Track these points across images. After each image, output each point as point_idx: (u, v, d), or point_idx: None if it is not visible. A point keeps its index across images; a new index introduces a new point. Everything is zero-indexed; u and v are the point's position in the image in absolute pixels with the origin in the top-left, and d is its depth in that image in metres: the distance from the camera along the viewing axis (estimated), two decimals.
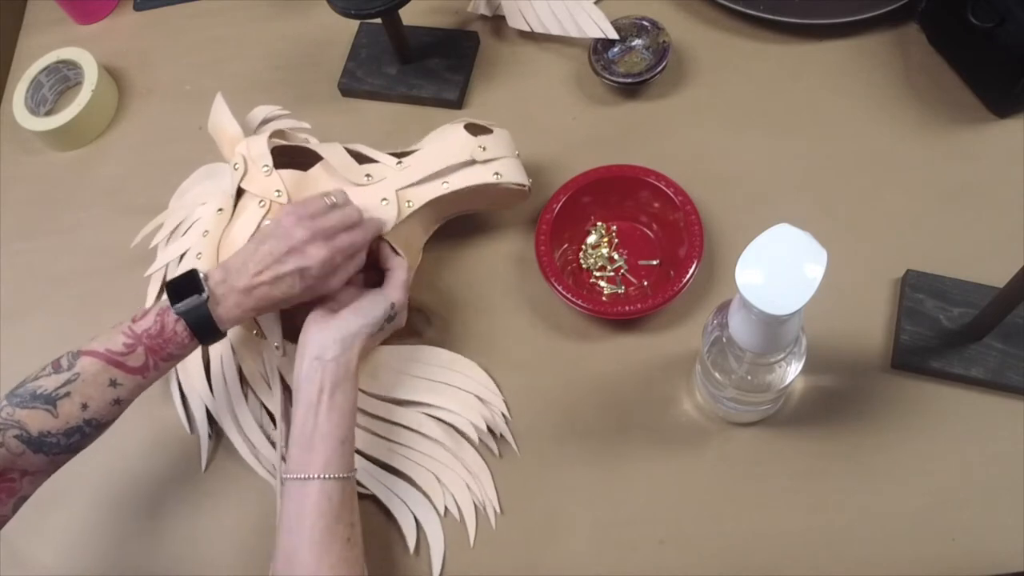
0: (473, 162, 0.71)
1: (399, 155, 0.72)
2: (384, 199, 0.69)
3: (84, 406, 0.58)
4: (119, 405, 0.59)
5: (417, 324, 0.76)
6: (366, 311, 0.64)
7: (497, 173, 0.71)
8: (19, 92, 0.93)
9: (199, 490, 0.73)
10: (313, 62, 0.93)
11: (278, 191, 0.68)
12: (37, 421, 0.56)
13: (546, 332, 0.74)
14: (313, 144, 0.72)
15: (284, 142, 0.72)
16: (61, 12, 1.03)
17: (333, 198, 0.65)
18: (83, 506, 0.74)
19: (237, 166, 0.69)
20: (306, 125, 0.80)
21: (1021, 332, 0.65)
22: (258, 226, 0.68)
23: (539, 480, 0.69)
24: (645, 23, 0.84)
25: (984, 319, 0.64)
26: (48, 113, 0.96)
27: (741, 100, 0.82)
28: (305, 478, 0.58)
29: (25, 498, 0.57)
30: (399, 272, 0.68)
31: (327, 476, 0.58)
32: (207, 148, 0.90)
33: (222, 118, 0.74)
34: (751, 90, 0.82)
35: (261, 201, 0.68)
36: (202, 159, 0.87)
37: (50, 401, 0.57)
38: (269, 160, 0.69)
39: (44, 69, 0.95)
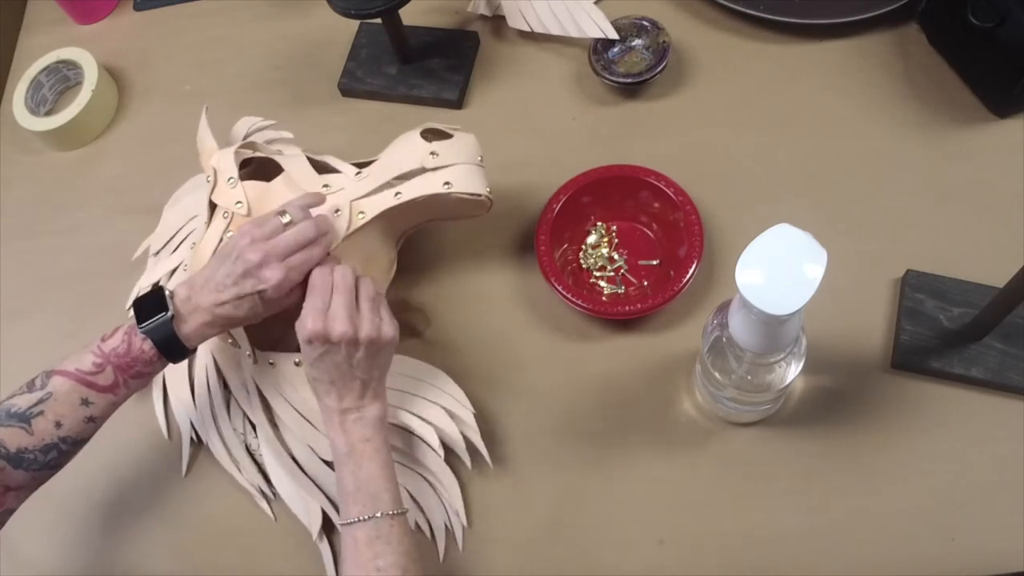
0: (423, 170, 0.68)
1: (363, 164, 0.70)
2: (337, 210, 0.67)
3: (58, 424, 0.59)
4: (93, 423, 0.60)
5: (417, 323, 0.76)
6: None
7: (447, 183, 0.68)
8: (19, 92, 0.93)
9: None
10: (313, 62, 0.93)
11: (239, 202, 0.67)
12: (14, 438, 0.58)
13: (546, 332, 0.74)
14: (279, 156, 0.70)
15: (253, 154, 0.71)
16: (61, 12, 1.03)
17: (288, 215, 0.63)
18: (75, 506, 0.74)
19: (209, 179, 0.69)
20: (288, 135, 0.79)
21: (1021, 332, 0.65)
22: (220, 238, 0.67)
23: (539, 480, 0.69)
24: (645, 23, 0.84)
25: (984, 319, 0.64)
26: (48, 113, 0.96)
27: (741, 100, 0.82)
28: (352, 521, 0.59)
29: (11, 511, 0.59)
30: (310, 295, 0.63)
31: (367, 517, 0.59)
32: None
33: (202, 133, 0.74)
34: (751, 90, 0.82)
35: (225, 212, 0.68)
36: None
37: (24, 419, 0.58)
38: (234, 172, 0.68)
39: (44, 69, 0.95)
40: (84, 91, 0.92)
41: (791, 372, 0.58)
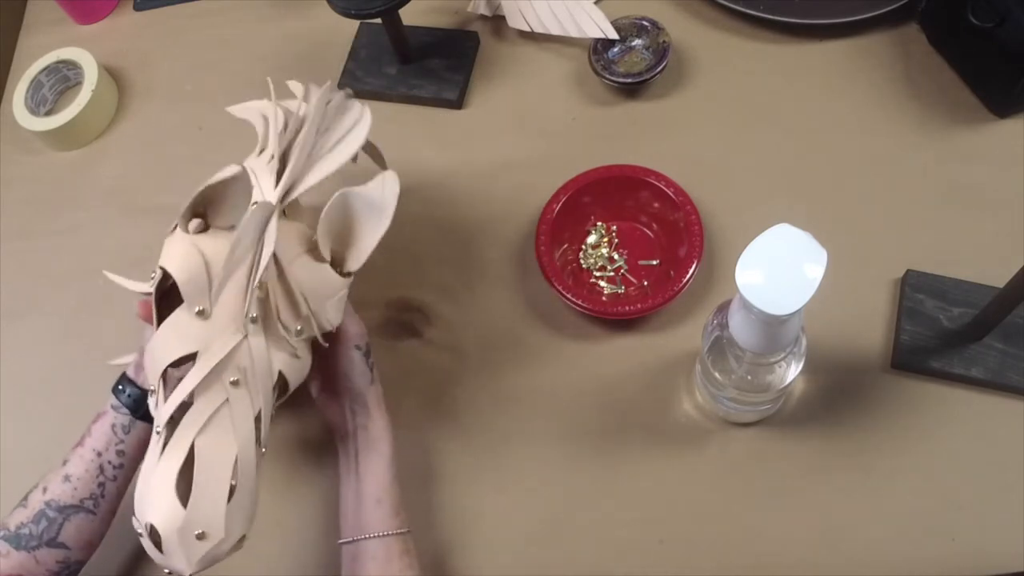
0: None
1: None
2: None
3: (44, 489, 0.61)
4: (72, 486, 0.62)
5: (417, 324, 0.76)
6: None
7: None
8: (19, 92, 0.93)
9: None
10: (313, 62, 0.93)
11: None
12: (15, 517, 0.60)
13: (546, 332, 0.74)
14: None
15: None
16: (61, 12, 1.03)
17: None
18: None
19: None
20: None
21: (1021, 332, 0.65)
22: None
23: (539, 480, 0.69)
24: (645, 23, 0.84)
25: (984, 319, 0.64)
26: (48, 113, 0.96)
27: (741, 100, 0.82)
28: (351, 540, 0.60)
29: None
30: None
31: (368, 536, 0.60)
32: (207, 148, 0.90)
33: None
34: (751, 90, 0.82)
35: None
36: (202, 159, 0.87)
37: (24, 498, 0.61)
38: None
39: (44, 69, 0.95)
40: (84, 91, 0.92)
41: (791, 372, 0.58)
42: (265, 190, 0.59)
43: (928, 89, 0.79)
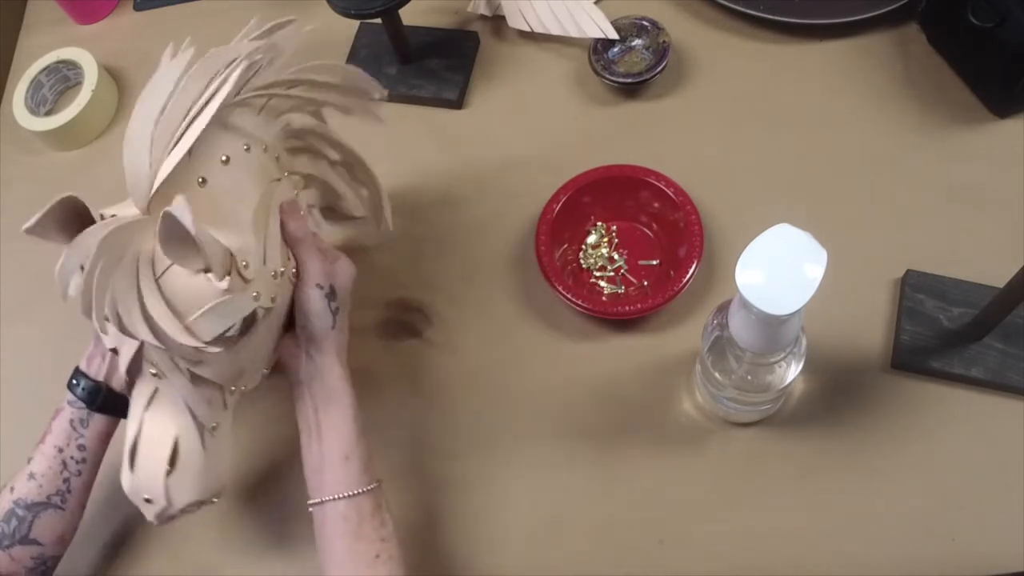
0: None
1: None
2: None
3: (12, 489, 0.62)
4: (38, 484, 0.62)
5: (417, 324, 0.76)
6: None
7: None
8: (19, 92, 0.93)
9: None
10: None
11: None
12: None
13: (546, 332, 0.74)
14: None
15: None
16: (61, 12, 1.03)
17: None
18: None
19: None
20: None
21: (1021, 332, 0.65)
22: None
23: (539, 480, 0.69)
24: (645, 23, 0.84)
25: (984, 319, 0.64)
26: (48, 113, 0.96)
27: (741, 100, 0.82)
28: (320, 501, 0.58)
29: None
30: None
31: (337, 496, 0.58)
32: None
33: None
34: (751, 90, 0.82)
35: None
36: None
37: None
38: None
39: (44, 69, 0.95)
40: (84, 91, 0.92)
41: (791, 372, 0.58)
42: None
43: (928, 89, 0.79)
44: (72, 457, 0.62)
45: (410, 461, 0.71)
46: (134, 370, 0.56)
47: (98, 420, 0.62)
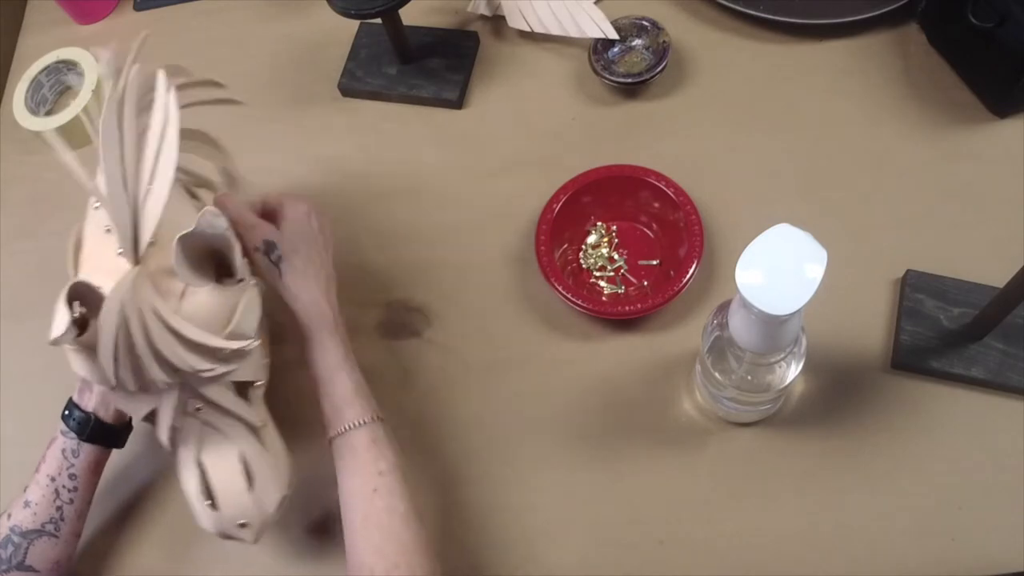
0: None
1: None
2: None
3: (8, 516, 0.63)
4: (32, 512, 0.63)
5: (417, 324, 0.76)
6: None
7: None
8: (19, 92, 0.93)
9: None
10: (313, 62, 0.93)
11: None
12: None
13: (546, 332, 0.74)
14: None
15: None
16: (61, 12, 1.03)
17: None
18: None
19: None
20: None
21: (1021, 332, 0.65)
22: None
23: (539, 480, 0.69)
24: (645, 23, 0.84)
25: (984, 319, 0.64)
26: (48, 113, 0.96)
27: (741, 100, 0.82)
28: (342, 431, 0.61)
29: None
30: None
31: (362, 422, 0.61)
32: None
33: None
34: (751, 90, 0.82)
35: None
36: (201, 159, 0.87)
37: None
38: None
39: (44, 69, 0.95)
40: (84, 91, 0.92)
41: (791, 372, 0.58)
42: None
43: (928, 89, 0.79)
44: (64, 486, 0.64)
45: (409, 461, 0.71)
46: (176, 425, 0.58)
47: (88, 450, 0.64)
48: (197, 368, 0.55)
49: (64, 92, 0.98)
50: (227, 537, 0.60)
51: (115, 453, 0.68)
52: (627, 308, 0.70)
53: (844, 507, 0.64)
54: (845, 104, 0.80)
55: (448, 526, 0.68)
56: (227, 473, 0.59)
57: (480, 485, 0.69)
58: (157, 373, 0.53)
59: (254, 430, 0.60)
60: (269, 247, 0.65)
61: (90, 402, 0.65)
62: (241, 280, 0.59)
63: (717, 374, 0.60)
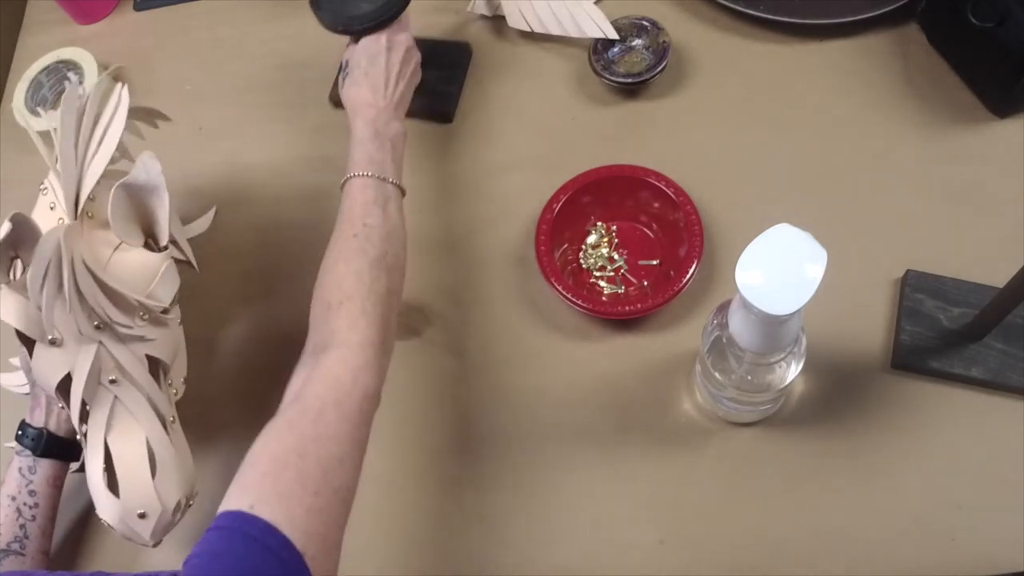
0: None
1: None
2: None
3: None
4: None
5: (417, 323, 0.76)
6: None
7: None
8: (19, 92, 0.93)
9: None
10: (312, 62, 0.93)
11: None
12: None
13: (546, 332, 0.74)
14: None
15: None
16: (61, 12, 1.03)
17: None
18: (73, 506, 0.74)
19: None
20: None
21: (1021, 332, 0.65)
22: None
23: (539, 480, 0.69)
24: (645, 23, 0.84)
25: (984, 319, 0.64)
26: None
27: (741, 100, 0.82)
28: (353, 176, 0.65)
29: None
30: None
31: (371, 174, 0.64)
32: (207, 149, 0.90)
33: None
34: (751, 90, 0.82)
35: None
36: (202, 159, 0.87)
37: None
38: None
39: (44, 69, 0.95)
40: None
41: (791, 372, 0.58)
42: (62, 204, 0.64)
43: (928, 89, 0.79)
44: (25, 503, 0.65)
45: (409, 461, 0.71)
46: (88, 395, 0.58)
47: (45, 465, 0.66)
48: (115, 320, 0.58)
49: (64, 92, 0.98)
50: (127, 535, 0.59)
51: (78, 477, 0.67)
52: (627, 308, 0.70)
53: (844, 507, 0.64)
54: (845, 104, 0.80)
55: (448, 526, 0.68)
56: (132, 458, 0.58)
57: (480, 485, 0.69)
58: (79, 315, 0.56)
59: (163, 421, 0.61)
60: (343, 66, 0.75)
61: (40, 417, 0.67)
62: (165, 248, 0.63)
63: (717, 374, 0.60)
